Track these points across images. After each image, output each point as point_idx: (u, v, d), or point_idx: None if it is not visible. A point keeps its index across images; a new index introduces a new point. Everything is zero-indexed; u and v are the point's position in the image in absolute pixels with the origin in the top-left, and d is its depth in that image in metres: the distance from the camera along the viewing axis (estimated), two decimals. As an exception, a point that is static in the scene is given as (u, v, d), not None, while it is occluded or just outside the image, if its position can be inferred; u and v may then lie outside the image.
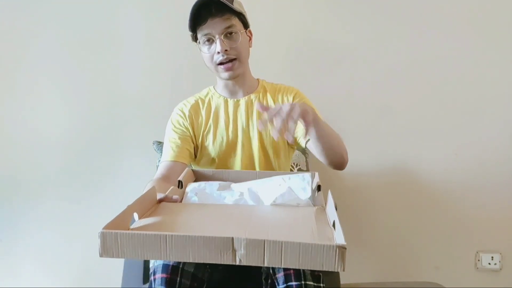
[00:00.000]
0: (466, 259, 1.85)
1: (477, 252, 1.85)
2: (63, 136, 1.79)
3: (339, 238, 0.65)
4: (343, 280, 1.34)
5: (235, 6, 1.16)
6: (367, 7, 1.79)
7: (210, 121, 1.28)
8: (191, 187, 1.00)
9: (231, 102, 1.29)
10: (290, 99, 1.29)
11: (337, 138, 1.15)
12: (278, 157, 1.30)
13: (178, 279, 0.91)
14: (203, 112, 1.29)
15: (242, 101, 1.28)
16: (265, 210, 0.84)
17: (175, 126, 1.27)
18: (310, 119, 0.94)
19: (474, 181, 1.83)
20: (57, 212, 1.81)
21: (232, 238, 0.61)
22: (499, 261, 1.84)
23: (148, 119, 1.79)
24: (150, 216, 0.80)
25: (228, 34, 1.16)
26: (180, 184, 1.01)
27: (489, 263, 1.83)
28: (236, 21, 1.17)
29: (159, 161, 1.53)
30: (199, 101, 1.31)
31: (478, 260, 1.84)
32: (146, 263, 1.30)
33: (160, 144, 1.58)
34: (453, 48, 1.79)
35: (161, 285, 0.90)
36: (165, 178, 1.15)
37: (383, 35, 1.80)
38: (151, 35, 1.79)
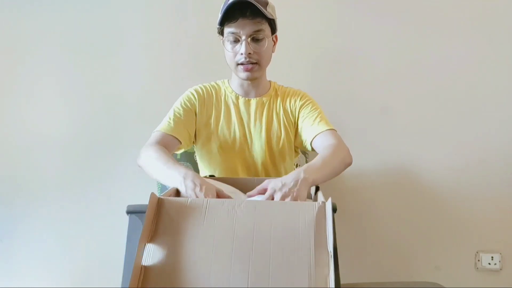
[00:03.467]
0: (466, 259, 1.85)
1: (477, 252, 1.85)
2: (63, 137, 1.79)
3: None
4: (343, 280, 1.33)
5: (269, 11, 1.16)
6: (367, 8, 1.79)
7: (219, 114, 1.28)
8: None
9: (241, 101, 1.29)
10: (298, 101, 1.30)
11: (337, 162, 1.11)
12: (283, 160, 1.30)
13: None
14: (214, 102, 1.29)
15: (253, 102, 1.29)
16: (264, 231, 0.82)
17: (184, 103, 1.26)
18: (304, 190, 0.93)
19: (474, 181, 1.83)
20: (57, 212, 1.81)
21: None
22: (499, 261, 1.84)
23: (148, 119, 1.77)
24: (157, 237, 0.80)
25: (255, 38, 1.17)
26: None
27: (489, 263, 1.83)
28: (265, 26, 1.18)
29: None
30: (213, 91, 1.31)
31: (478, 260, 1.84)
32: (146, 263, 1.29)
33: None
34: (453, 48, 1.80)
35: None
36: (164, 146, 1.14)
37: (384, 36, 1.80)
38: (151, 36, 1.79)
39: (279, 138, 1.28)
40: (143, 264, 0.76)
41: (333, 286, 0.68)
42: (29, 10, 1.76)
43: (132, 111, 1.79)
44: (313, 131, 1.22)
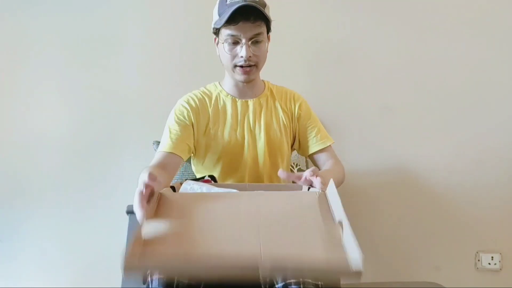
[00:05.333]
0: (466, 259, 1.85)
1: (477, 252, 1.85)
2: (63, 137, 1.79)
3: (355, 259, 0.65)
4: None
5: (267, 12, 1.15)
6: (367, 7, 1.79)
7: (217, 119, 1.26)
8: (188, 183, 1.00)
9: (239, 103, 1.27)
10: (297, 108, 1.31)
11: (340, 177, 1.20)
12: (282, 161, 1.30)
13: (176, 279, 0.91)
14: (210, 109, 1.26)
15: (251, 103, 1.27)
16: (269, 206, 0.83)
17: (178, 118, 1.23)
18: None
19: (474, 181, 1.83)
20: (57, 212, 1.81)
21: (257, 265, 0.66)
22: (499, 261, 1.84)
23: (148, 119, 1.79)
24: (157, 217, 0.78)
25: (255, 41, 1.15)
26: (174, 190, 1.00)
27: (489, 263, 1.83)
28: (264, 29, 1.17)
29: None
30: (206, 97, 1.28)
31: (478, 260, 1.84)
32: (146, 263, 1.30)
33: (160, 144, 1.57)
34: (453, 48, 1.80)
35: (159, 285, 0.90)
36: (162, 166, 1.12)
37: (384, 35, 1.80)
38: (151, 35, 1.79)
39: (278, 138, 1.28)
40: (144, 238, 0.71)
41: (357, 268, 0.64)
42: (29, 12, 1.76)
43: (132, 112, 1.79)
44: (315, 146, 1.29)
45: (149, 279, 0.93)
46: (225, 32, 1.14)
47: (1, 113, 1.79)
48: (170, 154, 1.16)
